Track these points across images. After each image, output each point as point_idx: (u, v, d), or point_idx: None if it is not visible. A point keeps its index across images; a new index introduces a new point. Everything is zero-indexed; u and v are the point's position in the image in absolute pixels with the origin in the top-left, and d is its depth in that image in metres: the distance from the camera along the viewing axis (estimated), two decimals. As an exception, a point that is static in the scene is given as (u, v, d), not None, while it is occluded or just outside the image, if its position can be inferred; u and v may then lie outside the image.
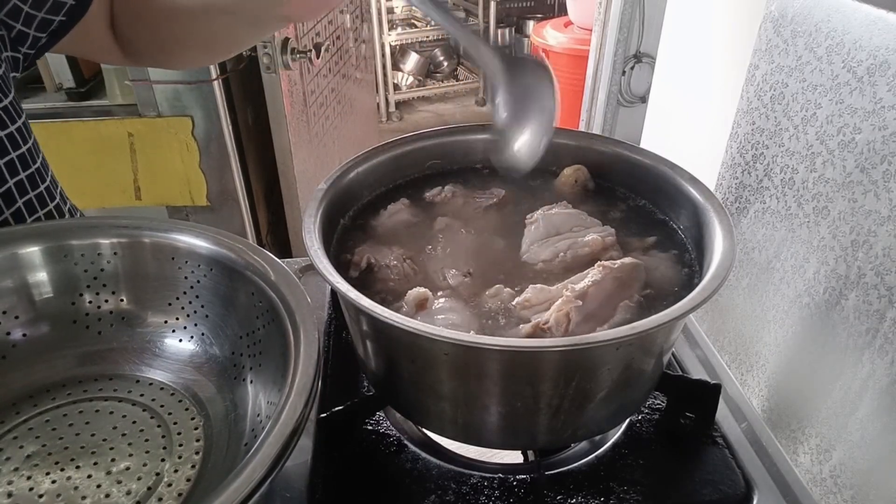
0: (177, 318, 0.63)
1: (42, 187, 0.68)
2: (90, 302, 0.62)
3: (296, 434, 0.43)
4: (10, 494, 0.49)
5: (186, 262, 0.62)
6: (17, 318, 0.59)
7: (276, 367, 0.51)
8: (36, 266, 0.60)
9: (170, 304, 0.63)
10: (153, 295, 0.63)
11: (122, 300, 0.63)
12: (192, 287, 0.62)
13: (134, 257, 0.62)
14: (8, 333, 0.59)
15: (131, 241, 0.62)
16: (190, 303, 0.62)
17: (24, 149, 0.65)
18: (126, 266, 0.63)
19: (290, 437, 0.43)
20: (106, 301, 0.63)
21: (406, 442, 0.70)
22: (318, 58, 1.66)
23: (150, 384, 0.60)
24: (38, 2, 0.65)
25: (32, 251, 0.60)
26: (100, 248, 0.62)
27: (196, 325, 0.62)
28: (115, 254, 0.62)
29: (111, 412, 0.57)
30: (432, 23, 4.03)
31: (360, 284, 0.64)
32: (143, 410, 0.57)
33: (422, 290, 0.62)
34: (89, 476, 0.51)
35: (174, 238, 0.62)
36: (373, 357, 0.65)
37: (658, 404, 0.74)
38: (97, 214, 0.71)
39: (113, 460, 0.52)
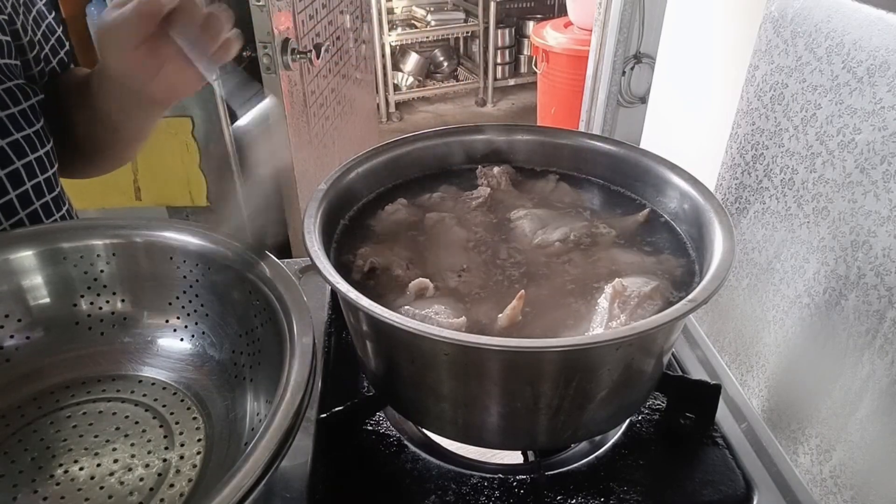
0: (177, 318, 0.63)
1: (56, 191, 0.69)
2: (91, 304, 0.62)
3: (290, 433, 0.43)
4: (14, 498, 0.49)
5: (184, 261, 0.62)
6: (19, 321, 0.59)
7: (274, 365, 0.51)
8: (35, 270, 0.60)
9: (169, 304, 0.63)
10: (152, 295, 0.63)
11: (122, 301, 0.63)
12: (190, 286, 0.62)
13: (132, 258, 0.63)
14: (11, 337, 0.59)
15: (128, 243, 0.62)
16: (190, 301, 0.62)
17: (41, 152, 0.66)
18: (124, 267, 0.63)
19: (285, 436, 0.43)
20: (107, 302, 0.63)
21: (406, 442, 0.70)
22: (318, 58, 1.66)
23: (153, 384, 0.60)
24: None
25: (31, 255, 0.60)
26: (98, 251, 0.62)
27: (196, 323, 0.62)
28: (113, 255, 0.62)
29: (114, 413, 0.57)
30: (432, 23, 4.05)
31: (362, 286, 0.64)
32: (146, 410, 0.57)
33: (424, 280, 0.63)
34: (92, 477, 0.51)
35: (171, 238, 0.62)
36: (373, 357, 0.65)
37: (658, 405, 0.74)
38: (96, 216, 0.72)
39: (116, 461, 0.52)
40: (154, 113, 0.71)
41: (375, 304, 0.54)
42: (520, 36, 4.29)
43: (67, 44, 0.76)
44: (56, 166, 0.69)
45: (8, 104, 0.62)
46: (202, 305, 0.62)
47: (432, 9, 4.17)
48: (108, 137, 0.74)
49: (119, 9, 0.57)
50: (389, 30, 3.96)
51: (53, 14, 0.74)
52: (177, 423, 0.56)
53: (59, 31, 0.75)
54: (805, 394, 0.75)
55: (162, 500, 0.50)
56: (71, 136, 0.74)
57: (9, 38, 0.64)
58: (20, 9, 0.67)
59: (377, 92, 3.91)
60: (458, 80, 4.43)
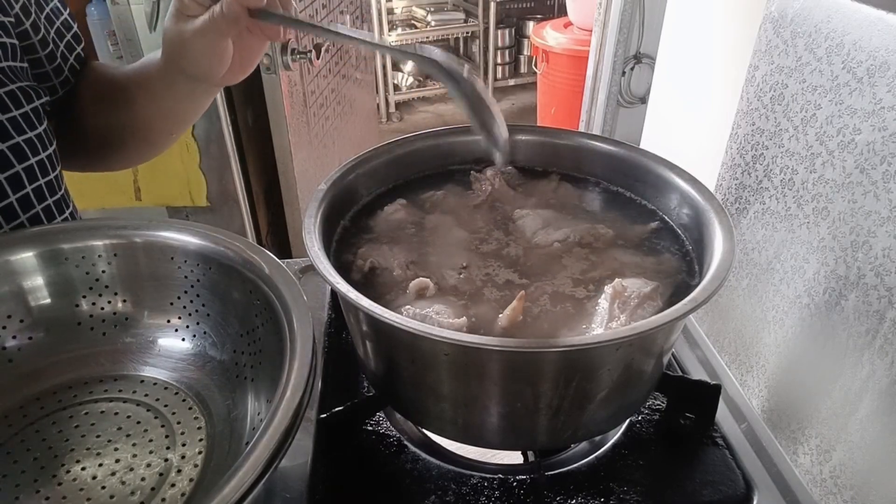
0: (178, 318, 0.63)
1: (59, 194, 0.69)
2: (92, 304, 0.62)
3: (290, 433, 0.43)
4: (17, 498, 0.49)
5: (185, 261, 0.62)
6: (21, 322, 0.59)
7: (275, 365, 0.51)
8: (36, 271, 0.60)
9: (171, 304, 0.63)
10: (154, 295, 0.63)
11: (123, 301, 0.63)
12: (192, 286, 0.62)
13: (132, 259, 0.63)
14: (13, 337, 0.59)
15: (129, 243, 0.62)
16: (191, 301, 0.62)
17: (43, 156, 0.66)
18: (125, 268, 0.63)
19: (285, 436, 0.43)
20: (108, 303, 0.63)
21: (406, 442, 0.70)
22: (318, 58, 1.66)
23: (154, 384, 0.60)
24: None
25: (32, 256, 0.60)
26: (98, 251, 0.62)
27: (198, 323, 0.62)
28: (114, 255, 0.62)
29: (116, 413, 0.57)
30: (432, 23, 4.04)
31: (362, 286, 0.64)
32: (147, 410, 0.57)
33: (424, 279, 0.63)
34: (94, 477, 0.51)
35: (171, 238, 0.62)
36: (373, 357, 0.65)
37: (658, 405, 0.74)
38: (97, 216, 0.72)
39: (118, 461, 0.53)
40: (216, 92, 0.74)
41: (375, 304, 0.54)
42: (520, 36, 4.29)
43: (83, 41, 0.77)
44: (59, 169, 0.70)
45: (9, 107, 0.62)
46: (203, 305, 0.62)
47: (432, 9, 4.17)
48: (163, 129, 0.77)
49: (191, 12, 0.59)
50: (389, 30, 3.96)
51: (68, 10, 0.74)
52: (178, 422, 0.56)
53: (75, 28, 0.75)
54: (805, 394, 0.75)
55: (163, 499, 0.50)
56: (102, 133, 0.75)
57: (14, 41, 0.64)
58: (32, 7, 0.67)
59: (377, 92, 3.91)
60: (458, 80, 4.42)
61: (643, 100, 2.10)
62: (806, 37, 0.74)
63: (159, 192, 1.68)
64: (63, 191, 0.70)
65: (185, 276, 0.62)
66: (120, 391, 0.59)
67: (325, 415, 0.68)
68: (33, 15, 0.67)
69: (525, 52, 4.30)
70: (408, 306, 0.61)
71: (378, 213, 0.76)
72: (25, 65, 0.66)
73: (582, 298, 0.63)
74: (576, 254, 0.70)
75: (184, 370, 0.61)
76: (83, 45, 0.76)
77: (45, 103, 0.67)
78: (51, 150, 0.67)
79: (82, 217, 0.75)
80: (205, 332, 0.62)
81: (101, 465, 0.52)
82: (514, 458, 0.76)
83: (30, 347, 0.59)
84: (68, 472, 0.51)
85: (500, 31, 4.19)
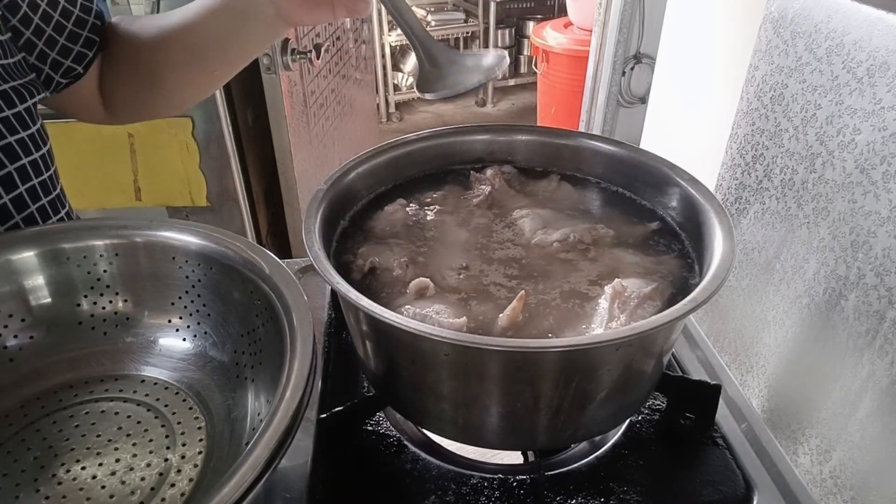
0: (179, 318, 0.63)
1: (54, 194, 0.69)
2: (93, 304, 0.62)
3: (290, 433, 0.43)
4: (17, 497, 0.49)
5: (186, 261, 0.62)
6: (22, 321, 0.59)
7: (275, 365, 0.51)
8: (37, 270, 0.60)
9: (171, 304, 0.63)
10: (155, 295, 0.63)
11: (124, 301, 0.63)
12: (192, 286, 0.62)
13: (133, 259, 0.63)
14: (14, 337, 0.59)
15: (130, 243, 0.62)
16: (192, 301, 0.63)
17: (36, 155, 0.66)
18: (126, 268, 0.63)
19: (284, 436, 0.43)
20: (109, 302, 0.63)
21: (406, 442, 0.70)
22: (318, 59, 1.66)
23: (155, 384, 0.60)
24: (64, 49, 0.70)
25: (33, 256, 0.60)
26: (99, 251, 0.62)
27: (199, 323, 0.62)
28: (115, 255, 0.62)
29: (116, 412, 0.57)
30: (433, 23, 4.05)
31: (362, 286, 0.64)
32: (148, 410, 0.57)
33: (424, 279, 0.63)
34: (94, 477, 0.51)
35: (172, 238, 0.62)
36: (373, 357, 0.65)
37: (658, 405, 0.74)
38: (97, 216, 0.72)
39: (118, 461, 0.52)
40: (279, 32, 0.74)
41: (375, 304, 0.54)
42: (520, 36, 4.30)
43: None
44: (54, 168, 0.69)
45: (2, 107, 0.61)
46: (204, 305, 0.62)
47: (432, 9, 4.17)
48: (221, 54, 0.78)
49: None
50: (389, 30, 3.96)
51: None
52: (178, 422, 0.56)
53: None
54: (805, 394, 0.75)
55: (163, 499, 0.50)
56: (148, 81, 0.77)
57: (3, 37, 0.63)
58: (25, 3, 0.66)
59: (377, 92, 3.91)
60: (458, 81, 4.42)
61: (643, 100, 2.10)
62: (806, 37, 0.74)
63: (159, 192, 1.69)
64: (58, 190, 0.70)
65: (186, 276, 0.62)
66: (120, 391, 0.59)
67: (325, 415, 0.68)
68: (42, 6, 0.67)
69: (525, 52, 4.30)
70: (408, 306, 0.61)
71: (378, 213, 0.76)
72: (19, 58, 0.65)
73: (582, 298, 0.63)
74: (575, 254, 0.70)
75: (184, 370, 0.61)
76: (95, 3, 0.76)
77: (41, 101, 0.67)
78: (44, 149, 0.67)
79: (80, 217, 0.75)
80: (205, 332, 0.62)
81: (101, 464, 0.52)
82: (514, 458, 0.76)
83: (31, 347, 0.59)
84: (68, 471, 0.51)
85: (500, 31, 4.19)
